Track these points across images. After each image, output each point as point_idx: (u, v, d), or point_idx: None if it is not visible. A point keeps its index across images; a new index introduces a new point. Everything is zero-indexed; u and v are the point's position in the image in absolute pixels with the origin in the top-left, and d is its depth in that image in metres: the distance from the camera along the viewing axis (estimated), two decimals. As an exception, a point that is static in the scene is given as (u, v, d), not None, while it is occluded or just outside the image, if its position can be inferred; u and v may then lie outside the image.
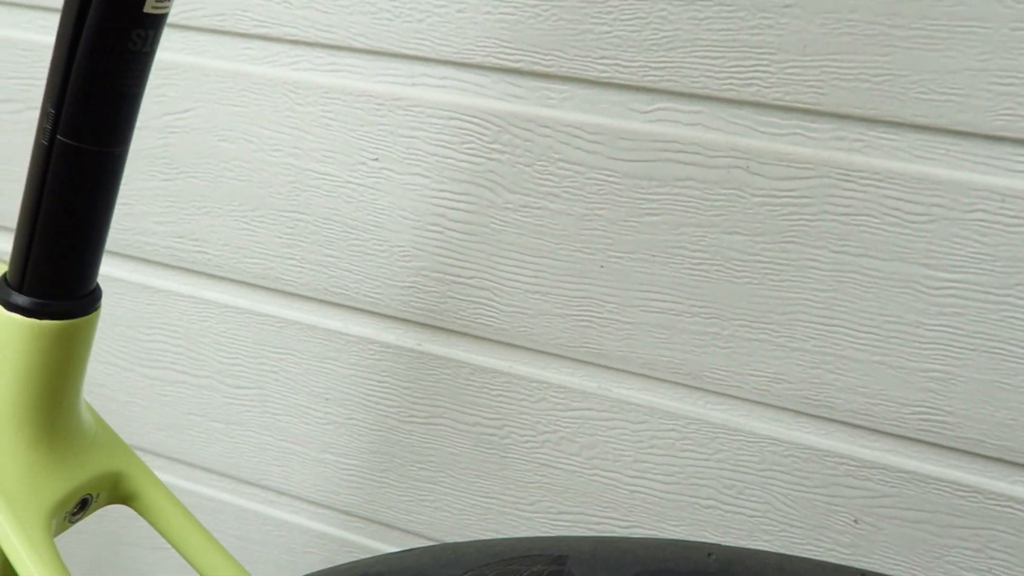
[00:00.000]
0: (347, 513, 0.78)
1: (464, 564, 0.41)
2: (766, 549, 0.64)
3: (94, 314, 0.46)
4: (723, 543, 0.40)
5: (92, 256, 0.44)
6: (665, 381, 0.64)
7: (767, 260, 0.59)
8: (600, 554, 0.40)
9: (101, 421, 0.52)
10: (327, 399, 0.75)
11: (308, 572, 0.79)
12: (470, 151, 0.63)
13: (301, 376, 0.75)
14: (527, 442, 0.69)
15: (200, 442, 0.81)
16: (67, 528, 0.49)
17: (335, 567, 0.45)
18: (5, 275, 0.44)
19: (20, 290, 0.43)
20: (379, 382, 0.72)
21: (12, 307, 0.43)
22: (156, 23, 0.39)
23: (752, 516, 0.65)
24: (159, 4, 0.38)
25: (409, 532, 0.76)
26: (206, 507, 0.84)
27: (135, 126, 0.42)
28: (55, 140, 0.40)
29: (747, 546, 0.65)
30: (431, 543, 0.76)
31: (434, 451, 0.73)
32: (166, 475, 0.84)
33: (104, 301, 0.79)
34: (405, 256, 0.68)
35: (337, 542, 0.80)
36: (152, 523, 0.52)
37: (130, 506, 0.52)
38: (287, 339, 0.74)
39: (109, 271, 0.78)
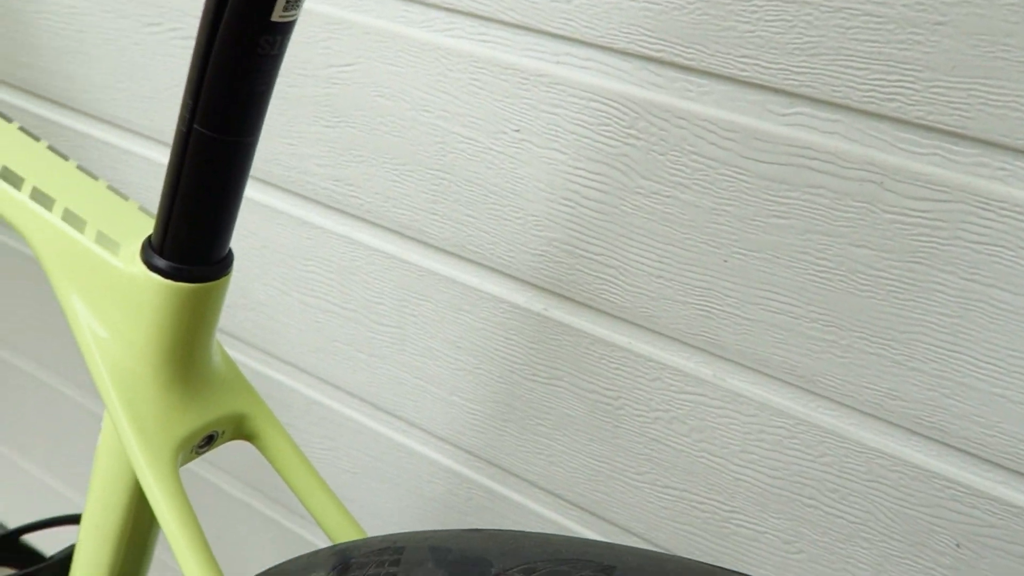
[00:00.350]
0: (470, 453, 0.83)
1: (521, 555, 0.44)
2: (860, 558, 0.64)
3: (224, 279, 0.50)
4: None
5: (222, 229, 0.48)
6: (778, 380, 0.64)
7: (892, 277, 0.57)
8: (645, 570, 0.41)
9: (232, 365, 0.57)
10: (459, 347, 0.79)
11: (432, 499, 0.85)
12: (607, 133, 0.64)
13: (437, 323, 0.79)
14: (640, 416, 0.71)
15: (346, 368, 0.87)
16: (193, 459, 0.55)
17: (411, 532, 0.49)
18: (150, 237, 0.49)
19: (160, 253, 0.48)
20: (506, 339, 0.76)
21: (152, 268, 0.49)
22: (284, 30, 0.42)
23: (853, 522, 0.65)
24: (286, 13, 0.41)
25: (524, 480, 0.80)
26: (348, 427, 0.90)
27: (264, 118, 0.45)
28: (192, 128, 0.44)
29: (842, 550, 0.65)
30: (544, 492, 0.80)
31: (552, 410, 0.76)
32: (317, 394, 0.91)
33: (269, 230, 0.85)
34: (538, 225, 0.70)
35: (459, 477, 0.85)
36: (270, 461, 0.57)
37: (252, 444, 0.58)
38: (427, 287, 0.78)
39: (275, 203, 0.84)
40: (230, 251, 0.51)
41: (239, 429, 0.57)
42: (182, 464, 0.54)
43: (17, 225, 0.54)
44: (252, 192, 0.85)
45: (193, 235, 0.48)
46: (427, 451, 0.86)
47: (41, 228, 0.53)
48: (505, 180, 0.70)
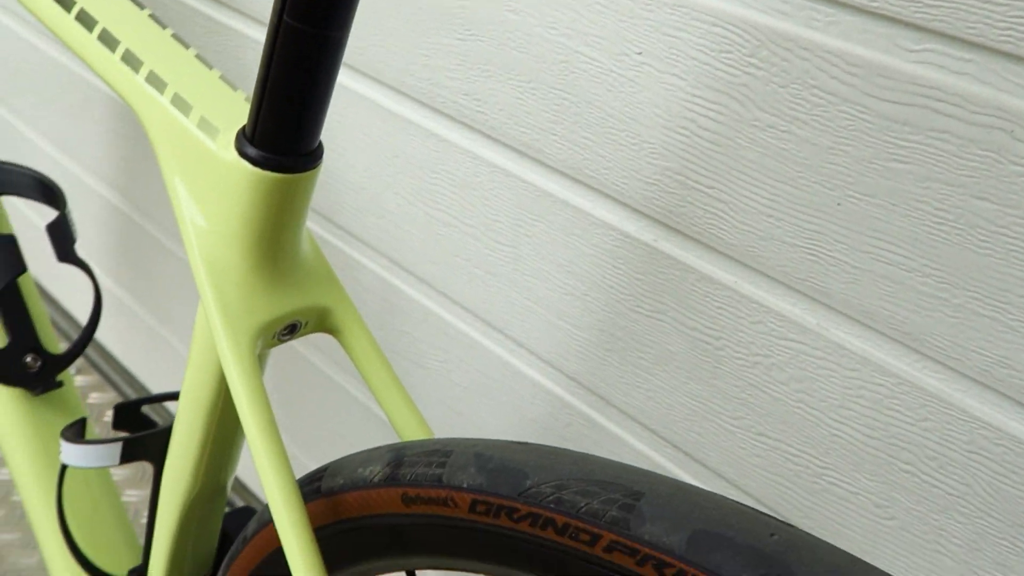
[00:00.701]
0: (572, 379, 0.83)
1: (556, 471, 0.44)
2: (955, 532, 0.61)
3: (312, 172, 0.52)
4: (793, 524, 0.39)
5: (310, 121, 0.49)
6: (883, 335, 0.61)
7: (1015, 236, 0.53)
8: (673, 501, 0.40)
9: (321, 259, 0.59)
10: (569, 272, 0.78)
11: (533, 421, 0.86)
12: (728, 61, 0.61)
13: (549, 245, 0.79)
14: (739, 359, 0.69)
15: (462, 283, 0.89)
16: (276, 345, 0.57)
17: (463, 439, 0.50)
18: (244, 127, 0.51)
19: (251, 142, 0.50)
20: (614, 268, 0.75)
21: (243, 155, 0.50)
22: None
23: (949, 494, 0.61)
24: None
25: (623, 412, 0.80)
26: (461, 341, 0.92)
27: (354, 14, 0.46)
28: (282, 20, 0.45)
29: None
30: (640, 426, 0.79)
31: (654, 344, 0.74)
32: (435, 305, 0.93)
33: (401, 140, 0.87)
34: (653, 153, 0.68)
35: (560, 402, 0.85)
36: (350, 355, 0.59)
37: (335, 337, 0.59)
38: (542, 208, 0.78)
39: (408, 114, 0.85)
40: (320, 145, 0.52)
41: (322, 322, 0.58)
42: (263, 349, 0.56)
43: (133, 106, 0.57)
44: (387, 101, 0.87)
45: (281, 125, 0.49)
46: (532, 372, 0.86)
47: (152, 110, 0.55)
48: (624, 104, 0.68)
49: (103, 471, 0.89)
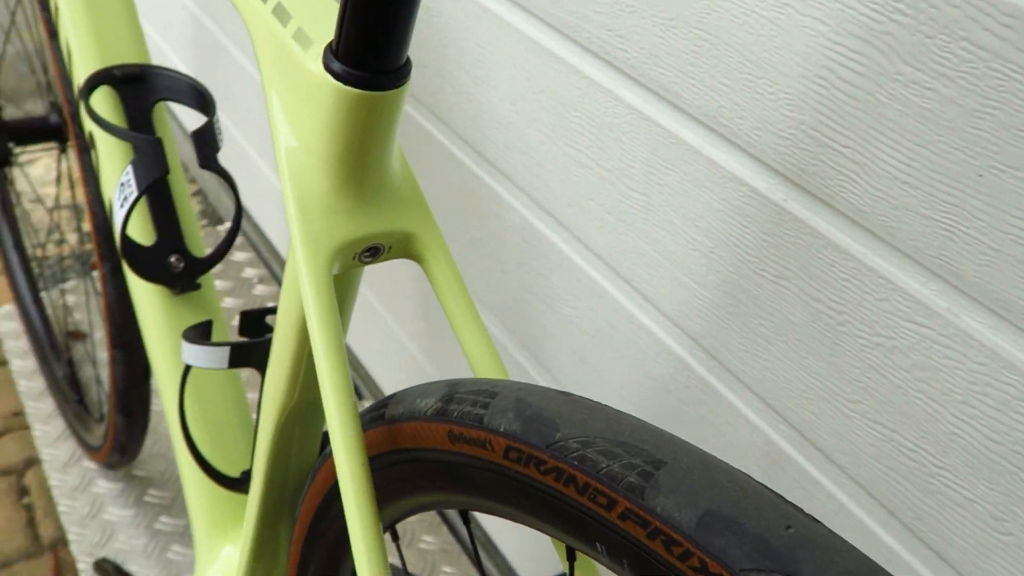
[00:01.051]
0: (694, 340, 0.79)
1: (587, 427, 0.41)
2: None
3: (397, 91, 0.50)
4: (816, 516, 0.35)
5: (395, 35, 0.48)
6: (1018, 328, 0.54)
7: None
8: (693, 474, 0.37)
9: (412, 184, 0.57)
10: (697, 226, 0.74)
11: (654, 379, 0.83)
12: (873, 6, 0.55)
13: (680, 196, 0.75)
14: (861, 338, 0.63)
15: (596, 228, 0.86)
16: (357, 267, 0.57)
17: (511, 382, 0.48)
18: (332, 42, 0.50)
19: (336, 56, 0.49)
20: (742, 226, 0.70)
21: (329, 70, 0.49)
22: None
23: (1077, 516, 0.54)
24: None
25: (740, 380, 0.75)
26: (592, 289, 0.89)
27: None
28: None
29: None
30: (756, 398, 0.74)
31: (775, 312, 0.69)
32: (570, 249, 0.90)
33: (546, 75, 0.84)
34: (789, 104, 0.63)
35: (681, 363, 0.81)
36: (432, 284, 0.58)
37: (419, 264, 0.58)
38: (675, 156, 0.74)
39: (554, 47, 0.83)
40: (408, 63, 0.50)
41: (406, 248, 0.57)
42: (342, 270, 0.56)
43: (242, 16, 0.57)
44: (535, 32, 0.84)
45: (365, 40, 0.48)
46: (656, 329, 0.83)
47: (256, 19, 0.55)
48: (763, 48, 0.63)
49: (233, 375, 0.93)
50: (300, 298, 0.61)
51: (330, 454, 0.64)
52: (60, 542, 1.38)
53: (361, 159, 0.53)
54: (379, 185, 0.55)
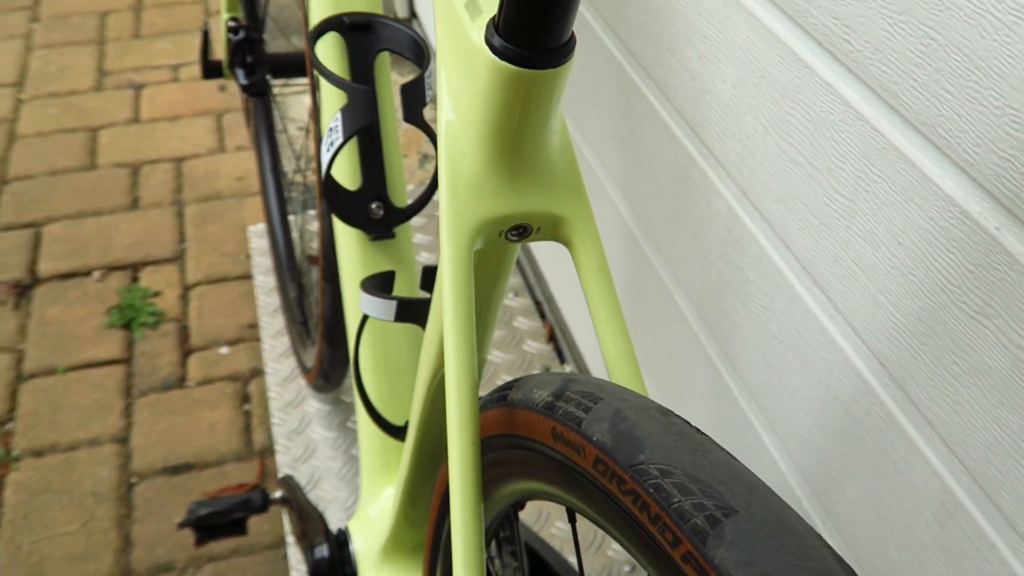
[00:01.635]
0: (882, 365, 0.72)
1: (669, 454, 0.38)
2: None
3: (556, 70, 0.48)
4: None
5: (557, 12, 0.45)
6: None
7: None
8: (762, 531, 0.33)
9: (572, 165, 0.55)
10: (900, 242, 0.67)
11: (835, 399, 0.77)
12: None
13: (886, 208, 0.68)
14: (1061, 397, 0.55)
15: (798, 229, 0.80)
16: (504, 244, 0.56)
17: (624, 391, 0.45)
18: (494, 16, 0.49)
19: (497, 31, 0.48)
20: (947, 250, 0.63)
21: (489, 44, 0.48)
22: None
23: None
24: None
25: (924, 418, 0.68)
26: (786, 293, 0.84)
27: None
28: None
29: None
30: (939, 440, 0.67)
31: (972, 351, 0.62)
32: (770, 247, 0.85)
33: (769, 60, 0.79)
34: (1015, 122, 0.55)
35: (865, 387, 0.75)
36: (578, 273, 0.56)
37: (567, 250, 0.56)
38: (887, 164, 0.67)
39: (780, 31, 0.77)
40: (572, 40, 0.48)
41: (556, 231, 0.56)
42: (486, 245, 0.55)
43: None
44: (763, 13, 0.79)
45: (526, 16, 0.46)
46: (845, 345, 0.77)
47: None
48: (994, 55, 0.56)
49: (416, 328, 0.94)
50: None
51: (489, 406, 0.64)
52: (268, 451, 1.49)
53: (516, 137, 0.51)
54: (534, 164, 0.53)
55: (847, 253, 0.74)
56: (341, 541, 0.93)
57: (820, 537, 0.34)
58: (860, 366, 0.75)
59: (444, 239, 0.53)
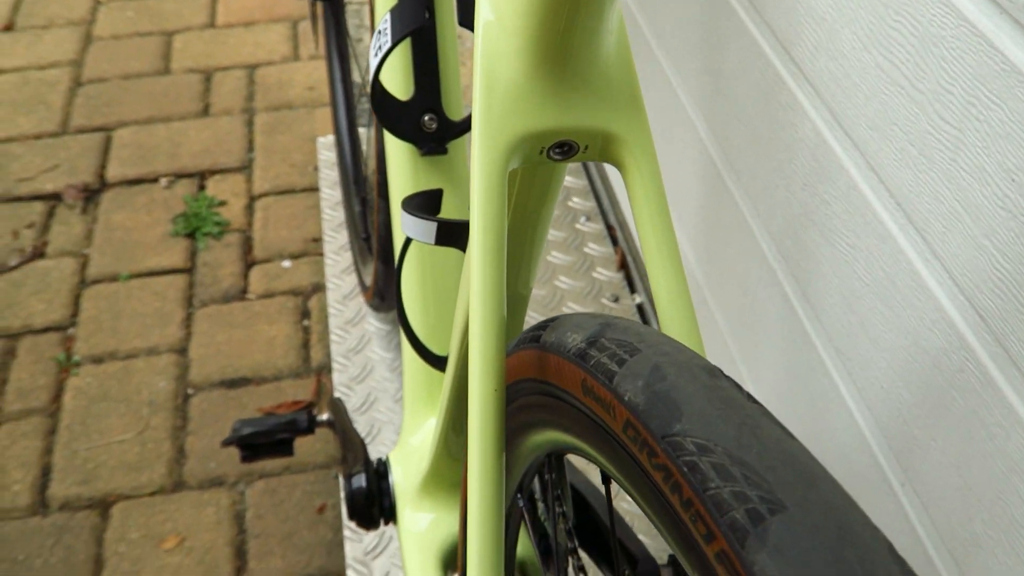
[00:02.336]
0: (981, 318, 0.64)
1: (710, 427, 0.31)
2: None
3: None
4: None
5: None
6: None
7: None
8: (816, 536, 0.26)
9: (630, 77, 0.48)
10: (1013, 180, 0.58)
11: (924, 352, 0.69)
12: None
13: (1000, 139, 0.59)
14: None
15: (895, 160, 0.71)
16: (545, 163, 0.48)
17: (667, 341, 0.38)
18: None
19: None
20: (1070, 190, 0.54)
21: None
22: None
23: None
24: None
25: (1022, 375, 0.60)
26: (876, 231, 0.75)
27: None
28: None
29: None
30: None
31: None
32: (861, 179, 0.76)
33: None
34: None
35: (959, 340, 0.66)
36: (630, 200, 0.49)
37: (620, 173, 0.49)
38: (1004, 88, 0.58)
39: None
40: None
41: (606, 151, 0.48)
42: (524, 164, 0.48)
43: None
44: (867, -89, 0.69)
45: None
46: (940, 294, 0.68)
47: None
48: None
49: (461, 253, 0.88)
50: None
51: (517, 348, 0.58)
52: (325, 368, 1.45)
53: (563, 39, 0.44)
54: (583, 72, 0.46)
55: (949, 189, 0.65)
56: (381, 472, 0.89)
57: (890, 548, 0.27)
58: (955, 317, 0.66)
59: (475, 156, 0.46)
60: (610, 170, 1.62)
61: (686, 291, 0.47)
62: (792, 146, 0.87)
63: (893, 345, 0.75)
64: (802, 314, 0.91)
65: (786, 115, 0.88)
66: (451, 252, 0.87)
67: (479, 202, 0.46)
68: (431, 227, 0.69)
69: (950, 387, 0.68)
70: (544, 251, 1.03)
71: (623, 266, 1.53)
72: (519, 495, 0.64)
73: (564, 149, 0.48)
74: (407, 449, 0.89)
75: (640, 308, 1.47)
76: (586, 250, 1.56)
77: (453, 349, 0.69)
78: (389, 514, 0.88)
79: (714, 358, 1.18)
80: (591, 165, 1.68)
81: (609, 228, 1.59)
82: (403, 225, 0.72)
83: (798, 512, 0.28)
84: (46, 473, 1.31)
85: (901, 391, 0.75)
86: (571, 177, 1.68)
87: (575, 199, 1.64)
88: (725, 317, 1.13)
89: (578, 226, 1.60)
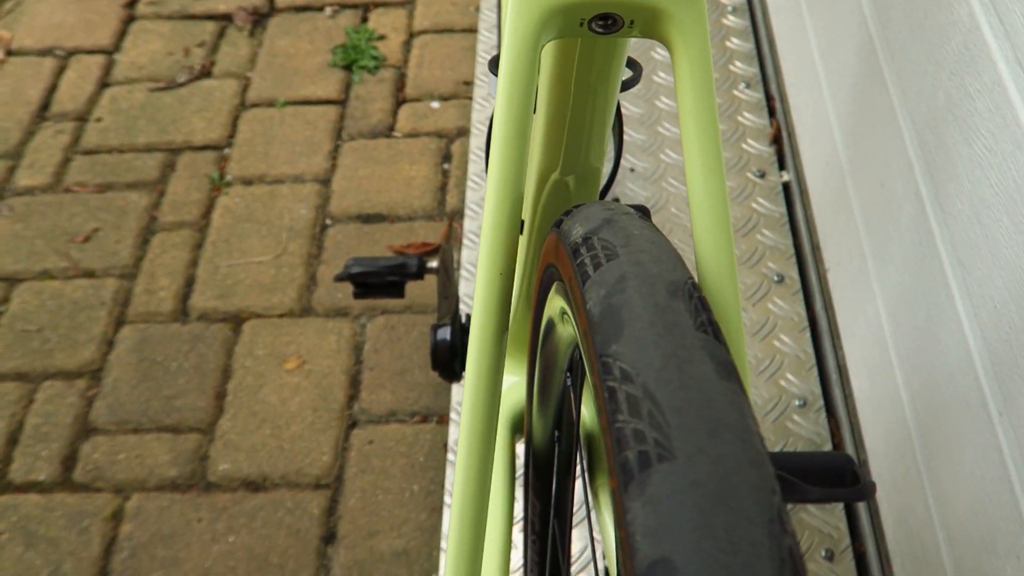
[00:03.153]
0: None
1: (642, 356, 0.29)
2: None
3: None
4: None
5: None
6: None
7: None
8: (692, 494, 0.24)
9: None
10: None
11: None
12: None
13: None
14: None
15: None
16: (588, 36, 0.45)
17: (646, 232, 0.35)
18: None
19: None
20: None
21: None
22: None
23: None
24: None
25: None
26: (1014, 135, 0.67)
27: None
28: None
29: None
30: None
31: None
32: (1008, 73, 0.68)
33: None
34: None
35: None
36: (676, 81, 0.45)
37: (667, 50, 0.45)
38: None
39: None
40: None
41: (653, 28, 0.44)
42: (562, 35, 0.44)
43: None
44: None
45: None
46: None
47: None
48: None
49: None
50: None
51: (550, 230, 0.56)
52: (458, 214, 1.46)
53: None
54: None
55: (1091, 98, 0.56)
56: (466, 328, 0.90)
57: (776, 519, 0.24)
58: (1077, 244, 0.59)
59: (508, 23, 0.43)
60: (781, 35, 1.51)
61: (723, 189, 0.43)
62: (947, 28, 0.78)
63: (1013, 264, 0.68)
64: (932, 217, 0.84)
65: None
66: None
67: (506, 73, 0.43)
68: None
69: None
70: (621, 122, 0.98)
71: (776, 140, 1.44)
72: (568, 374, 0.63)
73: (608, 23, 0.44)
74: (493, 309, 0.89)
75: (786, 187, 1.39)
76: (740, 119, 1.48)
77: (527, 212, 0.68)
78: (461, 372, 0.88)
79: (845, 250, 1.11)
80: (760, 26, 1.57)
81: (769, 98, 1.50)
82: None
83: (684, 464, 0.25)
84: (189, 284, 1.40)
85: (1013, 314, 0.68)
86: (738, 39, 1.58)
87: (738, 63, 1.55)
88: (861, 208, 1.05)
89: (736, 92, 1.51)
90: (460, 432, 0.46)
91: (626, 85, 0.72)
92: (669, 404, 0.27)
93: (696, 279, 0.35)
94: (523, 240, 0.72)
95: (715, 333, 0.30)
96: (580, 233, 0.39)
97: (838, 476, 0.64)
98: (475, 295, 0.44)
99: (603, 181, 0.76)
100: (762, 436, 0.27)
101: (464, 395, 0.45)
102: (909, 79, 0.88)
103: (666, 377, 0.28)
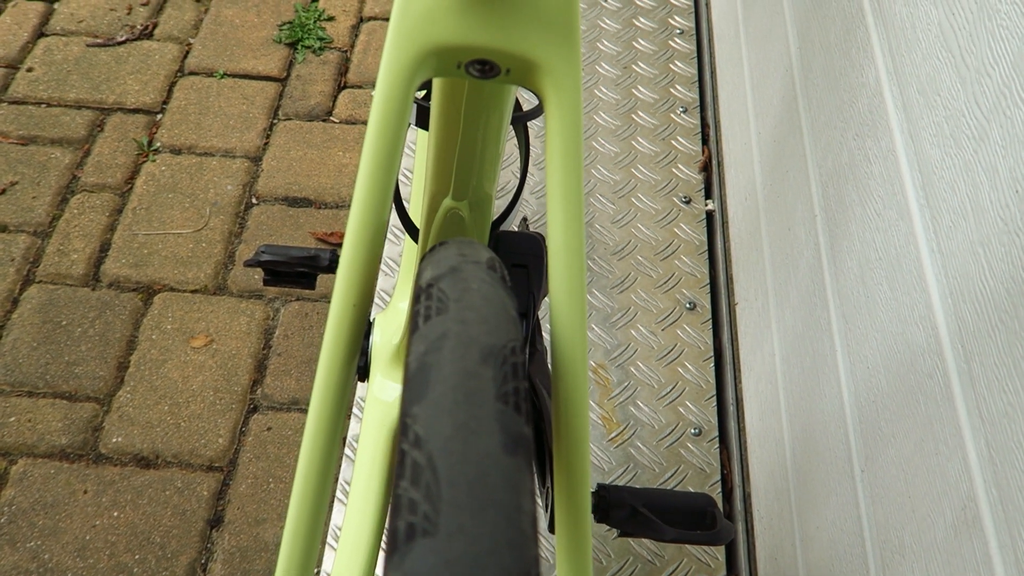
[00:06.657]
0: (960, 326, 0.58)
1: (434, 423, 0.29)
2: None
3: None
4: None
5: None
6: None
7: None
8: (443, 570, 0.24)
9: (570, 11, 0.43)
10: (1016, 192, 0.52)
11: (907, 341, 0.65)
12: None
13: (1018, 145, 0.52)
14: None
15: (929, 132, 0.64)
16: (462, 77, 0.45)
17: (473, 286, 0.36)
18: None
19: None
20: (1060, 221, 0.47)
21: None
22: None
23: None
24: None
25: (979, 408, 0.55)
26: (898, 204, 0.69)
27: None
28: None
29: None
30: (985, 439, 0.54)
31: (1045, 355, 0.48)
32: (900, 142, 0.70)
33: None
34: None
35: (936, 344, 0.61)
36: (546, 132, 0.45)
37: (540, 102, 0.46)
38: (1035, 86, 0.51)
39: None
40: None
41: (529, 78, 0.45)
42: (438, 75, 0.45)
43: None
44: None
45: None
46: (934, 289, 0.63)
47: None
48: None
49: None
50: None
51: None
52: (384, 207, 1.46)
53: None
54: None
55: (964, 182, 0.58)
56: (365, 331, 0.90)
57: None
58: (940, 319, 0.61)
59: (384, 57, 0.43)
60: (722, 64, 1.53)
61: (580, 244, 0.44)
62: (856, 89, 0.80)
63: (885, 329, 0.70)
64: (826, 269, 0.86)
65: (859, 54, 0.80)
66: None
67: (378, 107, 0.43)
68: (411, 108, 0.66)
69: (918, 390, 0.64)
70: (512, 156, 0.98)
71: (706, 168, 1.46)
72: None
73: (484, 68, 0.44)
74: (393, 313, 0.89)
75: (710, 216, 1.41)
76: (674, 143, 1.50)
77: (422, 227, 0.68)
78: (363, 373, 0.89)
79: (753, 287, 1.13)
80: (705, 52, 1.59)
81: (704, 126, 1.52)
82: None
83: (443, 541, 0.26)
84: (104, 249, 1.38)
85: (880, 377, 0.70)
86: (682, 63, 1.60)
87: (679, 87, 1.57)
88: (770, 247, 1.07)
89: (673, 116, 1.53)
90: (300, 452, 0.47)
91: (533, 114, 0.73)
92: (447, 477, 0.28)
93: (542, 333, 0.36)
94: (418, 262, 0.72)
95: (517, 404, 0.31)
96: (426, 278, 0.40)
97: (698, 517, 0.66)
98: (326, 326, 0.44)
99: (505, 206, 0.77)
100: (535, 515, 0.28)
101: (307, 424, 0.46)
102: (821, 131, 0.90)
103: (451, 448, 0.29)
